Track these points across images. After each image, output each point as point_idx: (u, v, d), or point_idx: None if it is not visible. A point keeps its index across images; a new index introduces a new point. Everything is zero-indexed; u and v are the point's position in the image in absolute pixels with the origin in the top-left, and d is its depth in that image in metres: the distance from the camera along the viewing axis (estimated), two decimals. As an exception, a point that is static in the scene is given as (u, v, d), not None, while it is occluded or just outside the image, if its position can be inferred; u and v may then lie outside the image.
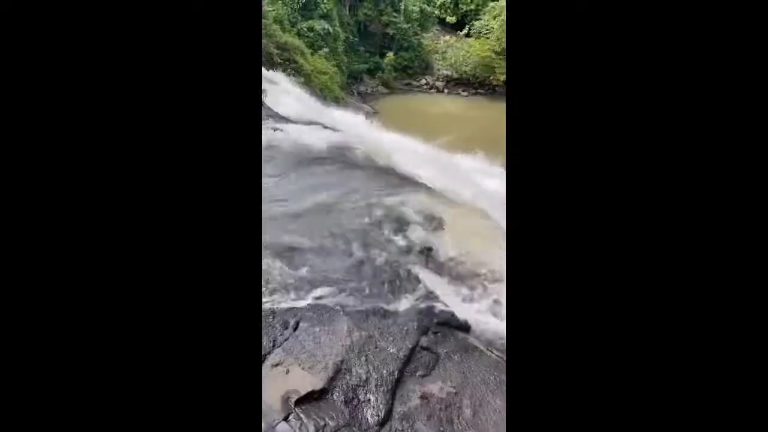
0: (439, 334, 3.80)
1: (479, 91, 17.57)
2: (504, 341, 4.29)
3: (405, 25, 18.25)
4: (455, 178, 8.85)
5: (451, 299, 4.56)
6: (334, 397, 2.88)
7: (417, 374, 3.30)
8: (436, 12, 20.12)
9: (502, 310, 4.61)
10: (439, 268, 5.07)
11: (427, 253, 5.28)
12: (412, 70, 18.16)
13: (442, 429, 2.82)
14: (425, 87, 17.99)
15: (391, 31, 18.15)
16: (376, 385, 3.01)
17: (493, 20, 17.98)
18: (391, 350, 3.39)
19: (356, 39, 18.66)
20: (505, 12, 17.17)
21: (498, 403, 3.16)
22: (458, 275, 5.02)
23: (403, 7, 18.42)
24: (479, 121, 15.08)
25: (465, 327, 4.08)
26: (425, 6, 19.22)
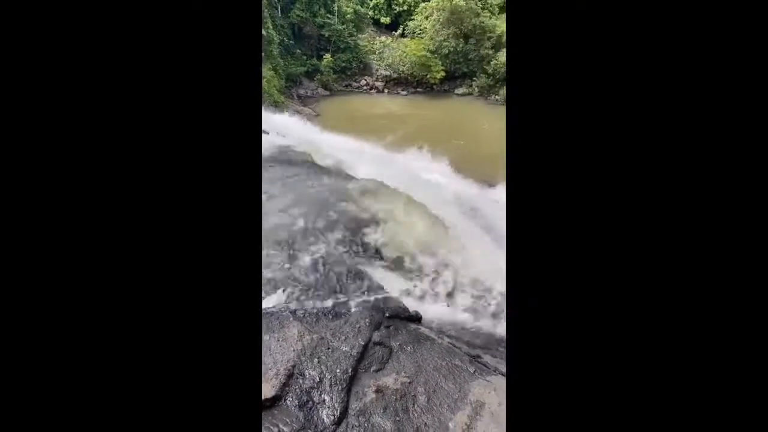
0: (391, 327, 3.86)
1: (418, 89, 18.00)
2: (453, 326, 4.46)
3: (340, 27, 18.25)
4: (401, 175, 9.03)
5: (402, 292, 4.66)
6: (287, 402, 2.83)
7: (371, 369, 3.34)
8: (370, 13, 20.33)
9: (450, 298, 4.79)
10: (388, 264, 5.15)
11: (375, 250, 5.34)
12: (351, 71, 18.21)
13: (398, 419, 2.88)
14: (365, 88, 18.11)
15: (326, 33, 18.04)
16: (330, 385, 3.00)
17: (426, 20, 18.52)
18: (344, 349, 3.40)
19: (291, 42, 18.33)
20: (435, 12, 17.76)
21: (450, 387, 3.28)
22: (407, 268, 5.13)
23: (336, 8, 18.41)
24: (420, 119, 15.46)
25: (416, 318, 4.19)
26: (359, 7, 19.35)
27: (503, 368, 3.68)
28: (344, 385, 3.03)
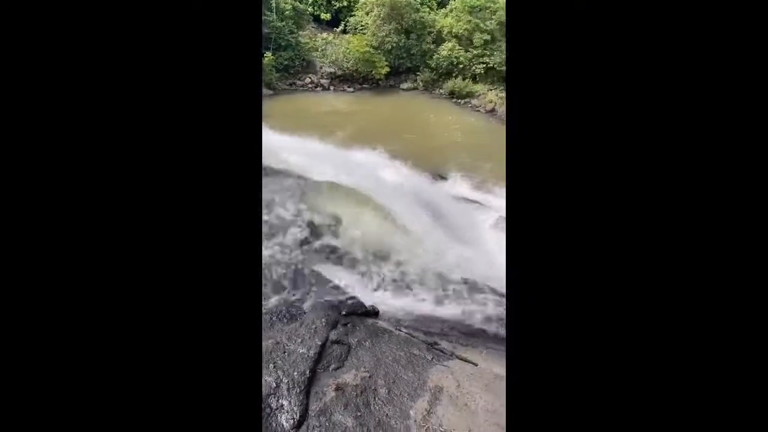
0: (348, 324, 3.86)
1: (364, 86, 17.99)
2: (410, 317, 4.55)
3: (279, 24, 17.76)
4: (352, 172, 9.00)
5: (358, 289, 4.67)
6: (244, 413, 2.75)
7: (330, 368, 3.32)
8: (310, 9, 19.98)
9: (406, 290, 4.87)
10: (343, 262, 5.14)
11: (329, 249, 5.30)
12: (294, 70, 17.82)
13: (359, 414, 2.89)
14: (310, 86, 17.81)
15: (266, 30, 17.50)
16: (288, 390, 2.95)
17: (366, 16, 18.52)
18: (300, 351, 3.35)
19: (229, 40, 17.40)
20: (375, 8, 17.81)
21: (410, 375, 3.35)
22: (362, 265, 5.15)
23: (274, 5, 17.89)
24: (368, 115, 15.49)
25: (373, 313, 4.22)
26: (297, 3, 18.94)
27: (459, 352, 3.81)
28: (302, 388, 2.99)
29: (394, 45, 17.76)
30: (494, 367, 3.65)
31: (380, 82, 18.09)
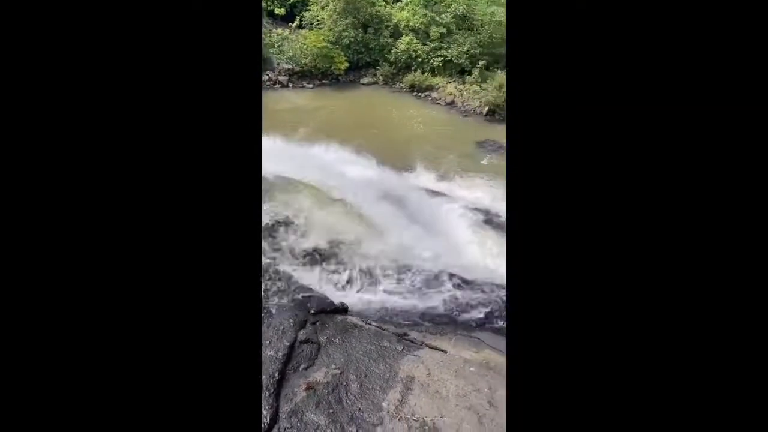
0: (317, 323, 3.82)
1: (323, 81, 17.72)
2: (379, 310, 4.57)
3: (232, 20, 17.09)
4: (316, 169, 8.87)
5: (325, 286, 4.62)
6: (212, 422, 2.66)
7: (300, 368, 3.28)
8: (263, 5, 19.41)
9: (375, 284, 4.88)
10: (309, 260, 5.07)
11: (294, 248, 5.21)
12: (251, 67, 17.24)
13: (331, 411, 2.87)
14: (268, 83, 17.32)
15: (217, 27, 16.71)
16: (257, 394, 2.88)
17: (322, 10, 18.21)
18: (269, 353, 3.28)
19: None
20: (331, 2, 17.55)
21: (381, 368, 3.36)
22: (329, 262, 5.10)
23: (225, 0, 17.19)
24: (329, 111, 15.30)
25: (342, 309, 4.20)
26: (250, -2, 18.28)
27: (429, 341, 3.87)
28: (272, 391, 2.93)
29: (352, 40, 17.60)
30: (463, 352, 3.74)
31: (340, 78, 17.89)
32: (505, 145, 12.36)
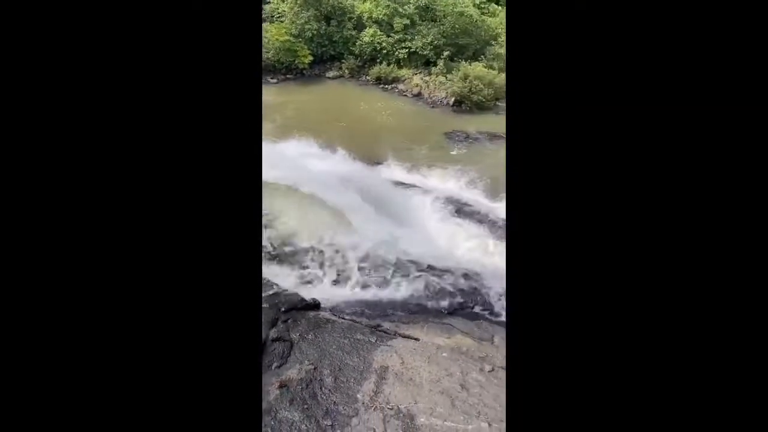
0: (289, 320, 3.79)
1: (288, 76, 17.35)
2: (352, 303, 4.58)
3: (188, 14, 16.41)
4: (284, 165, 8.73)
5: (296, 283, 4.58)
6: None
7: (273, 366, 3.25)
8: (221, -3, 18.71)
9: (347, 278, 4.88)
10: (279, 258, 5.01)
11: (263, 245, 5.12)
12: (211, 63, 16.65)
13: (306, 406, 2.87)
14: (231, 79, 16.84)
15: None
16: (228, 396, 2.83)
17: (282, 3, 17.78)
18: (239, 355, 3.23)
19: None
20: (292, -6, 17.14)
21: (355, 361, 3.38)
22: (299, 259, 5.06)
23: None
24: (296, 106, 15.04)
25: (315, 305, 4.18)
26: (206, -9, 17.59)
27: (402, 330, 3.93)
28: (244, 391, 2.89)
29: (315, 32, 17.30)
30: (435, 339, 3.81)
31: (305, 72, 17.58)
32: (476, 137, 12.58)
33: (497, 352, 3.70)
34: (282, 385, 3.00)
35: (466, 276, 5.23)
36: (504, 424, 2.79)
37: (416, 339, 3.79)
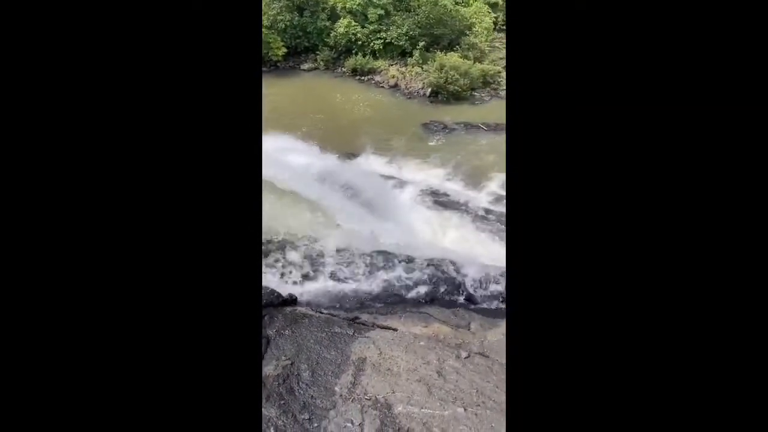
0: (266, 317, 3.75)
1: (262, 69, 17.03)
2: (330, 297, 4.57)
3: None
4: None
5: (273, 279, 4.53)
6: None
7: (249, 364, 3.21)
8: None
9: (323, 272, 4.85)
10: (255, 254, 4.94)
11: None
12: (181, 56, 16.11)
13: (283, 402, 2.86)
14: (202, 73, 16.37)
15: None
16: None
17: (254, -7, 17.34)
18: (213, 354, 3.18)
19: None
20: (263, -16, 16.69)
21: (333, 354, 3.38)
22: (275, 255, 5.00)
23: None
24: (271, 99, 14.75)
25: (291, 300, 4.14)
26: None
27: (379, 321, 3.94)
28: (219, 390, 2.86)
29: (288, 24, 16.94)
30: (412, 328, 3.85)
31: (279, 64, 17.24)
32: (453, 127, 12.63)
33: (473, 338, 3.76)
34: (258, 382, 2.98)
35: (443, 264, 5.29)
36: (480, 409, 2.86)
37: (394, 329, 3.81)
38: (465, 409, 2.84)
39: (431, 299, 4.62)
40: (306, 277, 4.81)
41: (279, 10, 16.82)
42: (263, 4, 16.84)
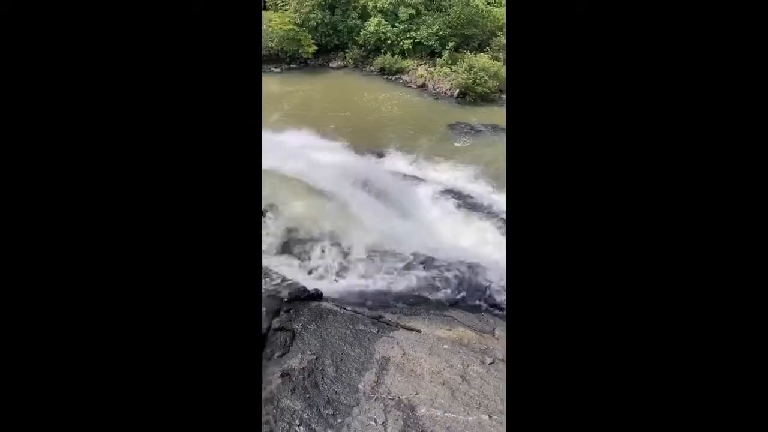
0: (291, 311, 3.81)
1: (292, 66, 17.21)
2: (354, 294, 4.59)
3: (191, 1, 16.21)
4: (288, 156, 8.70)
5: (299, 274, 4.60)
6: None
7: (275, 356, 3.27)
8: (224, -15, 18.47)
9: (348, 269, 4.89)
10: (282, 248, 5.01)
11: (267, 237, 5.13)
12: (214, 51, 16.48)
13: (307, 395, 2.90)
14: (234, 68, 16.71)
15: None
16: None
17: (287, -9, 17.57)
18: (242, 344, 3.26)
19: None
20: (296, -18, 16.89)
21: (357, 351, 3.40)
22: (302, 250, 5.06)
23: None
24: (300, 96, 14.94)
25: (317, 295, 4.19)
26: (209, -22, 17.35)
27: (403, 322, 3.94)
28: (247, 380, 2.92)
29: (319, 21, 17.11)
30: (437, 331, 3.83)
31: (309, 61, 17.43)
32: (479, 129, 12.47)
33: (498, 344, 3.71)
34: (284, 374, 3.03)
35: (468, 268, 5.23)
36: (504, 417, 2.81)
37: (418, 331, 3.80)
38: (490, 416, 2.81)
39: (455, 302, 4.58)
40: (331, 273, 4.85)
41: (311, 8, 17.00)
42: (296, 2, 17.06)
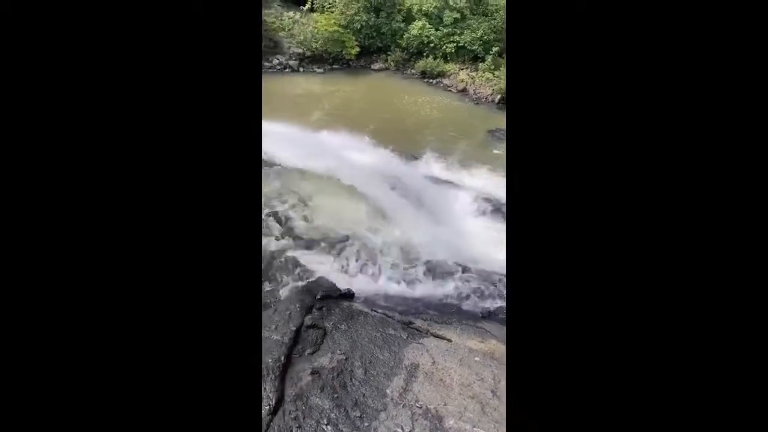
0: (323, 308, 3.85)
1: (334, 66, 17.51)
2: (385, 297, 4.58)
3: (243, 2, 16.85)
4: (326, 156, 8.84)
5: (332, 272, 4.64)
6: (218, 402, 2.71)
7: (306, 353, 3.31)
8: (275, -13, 19.12)
9: (381, 271, 4.88)
10: (317, 247, 5.09)
11: (303, 234, 5.22)
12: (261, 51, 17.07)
13: (336, 395, 2.91)
14: (278, 67, 17.17)
15: (228, 10, 16.44)
16: (263, 377, 2.92)
17: (334, -7, 17.90)
18: (275, 338, 3.32)
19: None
20: (343, -16, 17.19)
21: (386, 355, 3.38)
22: (336, 249, 5.11)
23: (236, -18, 16.92)
24: (341, 96, 15.17)
25: (349, 295, 4.22)
26: (261, -20, 18.00)
27: (434, 329, 3.88)
28: (278, 374, 2.97)
29: (364, 24, 17.31)
30: (468, 342, 3.74)
31: (351, 63, 17.68)
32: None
33: (532, 361, 3.58)
34: (314, 372, 3.06)
35: (502, 279, 5.09)
36: None
37: (448, 340, 3.73)
38: (521, 436, 2.70)
39: (489, 314, 4.46)
40: (362, 273, 4.87)
41: (357, 11, 17.23)
42: (342, 4, 17.35)
